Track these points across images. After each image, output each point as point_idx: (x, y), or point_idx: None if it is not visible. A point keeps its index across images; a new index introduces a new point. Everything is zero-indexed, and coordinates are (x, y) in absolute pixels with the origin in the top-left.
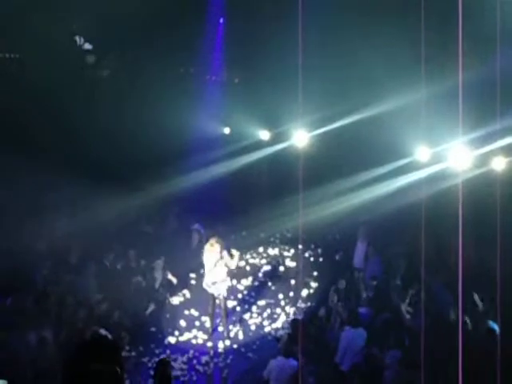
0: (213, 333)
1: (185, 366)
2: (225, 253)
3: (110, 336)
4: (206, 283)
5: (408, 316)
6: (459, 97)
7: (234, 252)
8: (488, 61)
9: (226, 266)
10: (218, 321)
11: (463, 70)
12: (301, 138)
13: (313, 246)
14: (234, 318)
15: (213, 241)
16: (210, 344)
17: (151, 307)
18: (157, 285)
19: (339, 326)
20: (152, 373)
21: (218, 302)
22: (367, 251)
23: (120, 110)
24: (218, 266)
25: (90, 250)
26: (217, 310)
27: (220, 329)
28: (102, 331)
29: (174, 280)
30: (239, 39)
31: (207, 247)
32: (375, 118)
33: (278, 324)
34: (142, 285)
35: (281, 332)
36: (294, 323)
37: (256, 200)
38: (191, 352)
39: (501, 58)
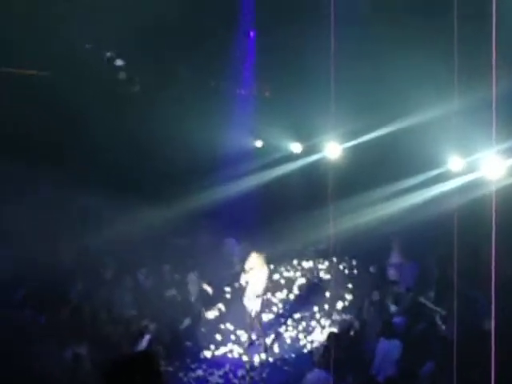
0: (249, 346)
1: (221, 381)
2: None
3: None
4: (248, 297)
5: (443, 326)
6: (492, 106)
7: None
8: None
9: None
10: (254, 335)
11: (496, 79)
12: (333, 150)
13: (347, 258)
14: (269, 332)
15: (257, 256)
16: (245, 358)
17: (186, 321)
18: (192, 299)
19: (374, 337)
20: None
21: (253, 315)
22: (402, 262)
23: (151, 125)
24: (257, 281)
25: (124, 265)
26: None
27: (257, 342)
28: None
29: (210, 290)
30: (270, 52)
31: (253, 262)
32: (407, 129)
33: (314, 337)
34: (176, 299)
35: (316, 344)
36: (329, 336)
37: (289, 212)
38: (227, 366)
39: None
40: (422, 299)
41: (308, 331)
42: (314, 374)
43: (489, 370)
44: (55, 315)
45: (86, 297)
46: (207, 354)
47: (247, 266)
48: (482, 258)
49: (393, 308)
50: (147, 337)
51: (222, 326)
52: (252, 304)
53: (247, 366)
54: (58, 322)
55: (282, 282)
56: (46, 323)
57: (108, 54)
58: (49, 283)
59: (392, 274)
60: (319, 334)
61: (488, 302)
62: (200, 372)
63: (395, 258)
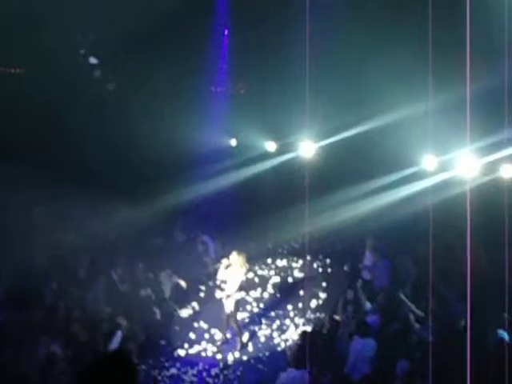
0: (223, 345)
1: (195, 379)
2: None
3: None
4: (223, 295)
5: (417, 326)
6: (467, 105)
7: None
8: (495, 70)
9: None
10: (229, 333)
11: (471, 79)
12: (307, 148)
13: (321, 257)
14: (243, 330)
15: (238, 254)
16: (219, 356)
17: (160, 320)
18: (166, 297)
19: (348, 336)
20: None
21: (228, 314)
22: (375, 261)
23: (125, 123)
24: (232, 279)
25: (98, 264)
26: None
27: (232, 341)
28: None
29: (184, 284)
30: (244, 50)
31: (234, 259)
32: (382, 128)
33: (288, 335)
34: (150, 297)
35: (290, 343)
36: (303, 334)
37: (263, 211)
38: (201, 364)
39: (508, 67)
40: (402, 296)
41: (282, 330)
42: (289, 373)
43: (464, 367)
44: (30, 315)
45: (60, 296)
46: (181, 352)
47: (223, 264)
48: (455, 256)
49: (367, 306)
50: (119, 333)
51: (196, 325)
52: (227, 302)
53: (221, 365)
54: (32, 321)
55: (257, 280)
56: (20, 323)
57: (82, 52)
58: (23, 283)
59: (366, 272)
60: (293, 333)
61: (461, 300)
62: (174, 370)
63: (369, 256)
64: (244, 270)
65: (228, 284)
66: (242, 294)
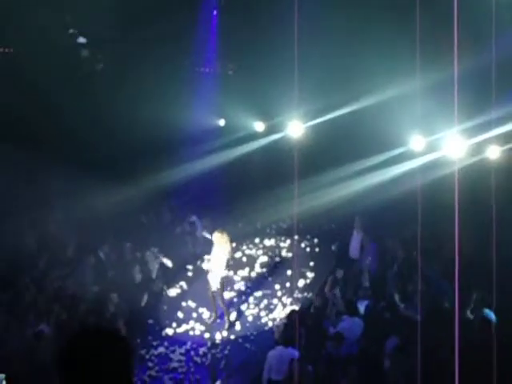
0: (211, 324)
1: (183, 358)
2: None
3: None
4: (210, 274)
5: (402, 305)
6: (454, 86)
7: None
8: (483, 50)
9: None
10: (216, 312)
11: (458, 59)
12: (295, 128)
13: (309, 237)
14: (231, 309)
15: (221, 232)
16: (207, 335)
17: (148, 299)
18: (153, 276)
19: (336, 315)
20: (150, 365)
21: (215, 292)
22: (363, 241)
23: (114, 103)
24: (219, 259)
25: (85, 243)
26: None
27: (219, 320)
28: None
29: (169, 263)
30: (233, 30)
31: (217, 238)
32: (370, 108)
33: (275, 314)
34: (138, 276)
35: (277, 322)
36: (290, 313)
37: (251, 191)
38: (189, 343)
39: (496, 48)
40: (388, 277)
41: (270, 309)
42: (277, 351)
43: (451, 347)
44: (18, 294)
45: (47, 275)
46: (169, 331)
47: (209, 243)
48: (442, 237)
49: (355, 286)
50: (110, 311)
51: (184, 304)
52: (212, 281)
53: (209, 344)
54: (20, 300)
55: (244, 259)
56: (9, 302)
57: (71, 31)
58: (9, 263)
59: (353, 252)
60: (281, 312)
61: (447, 280)
62: (162, 349)
63: (357, 236)
64: (228, 247)
65: (213, 262)
66: (228, 272)
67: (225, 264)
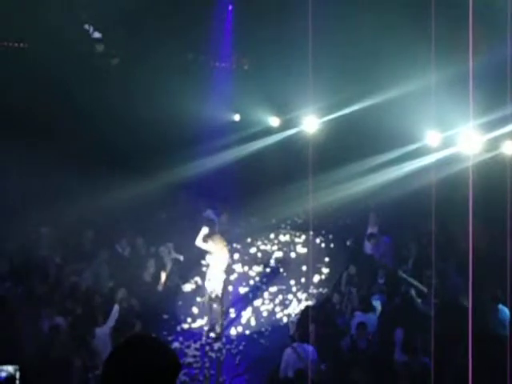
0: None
1: (197, 353)
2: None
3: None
4: (208, 277)
5: (419, 300)
6: (469, 81)
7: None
8: (498, 45)
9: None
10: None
11: (474, 54)
12: (310, 124)
13: (324, 232)
14: (245, 305)
15: (218, 237)
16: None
17: (163, 294)
18: (169, 271)
19: (350, 311)
20: None
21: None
22: (377, 236)
23: (130, 98)
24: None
25: (102, 237)
26: (214, 306)
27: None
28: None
29: (181, 258)
30: (248, 25)
31: (216, 241)
32: (385, 104)
33: (290, 310)
34: (153, 271)
35: (292, 318)
36: (305, 309)
37: (266, 186)
38: (204, 339)
39: (511, 43)
40: (401, 273)
41: (285, 304)
42: (293, 347)
43: (465, 343)
44: (35, 287)
45: (64, 268)
46: (184, 326)
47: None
48: (456, 232)
49: (369, 282)
50: (116, 307)
51: (199, 299)
52: (215, 287)
53: (223, 339)
54: (37, 294)
55: (259, 255)
56: (26, 295)
57: (86, 26)
58: (27, 255)
59: (368, 248)
60: (296, 308)
61: (461, 276)
62: (177, 344)
63: (372, 232)
64: (226, 250)
65: (212, 268)
66: (228, 275)
67: (225, 268)
